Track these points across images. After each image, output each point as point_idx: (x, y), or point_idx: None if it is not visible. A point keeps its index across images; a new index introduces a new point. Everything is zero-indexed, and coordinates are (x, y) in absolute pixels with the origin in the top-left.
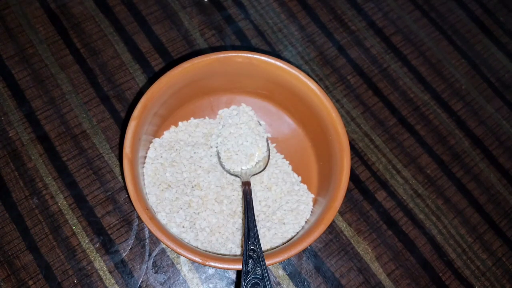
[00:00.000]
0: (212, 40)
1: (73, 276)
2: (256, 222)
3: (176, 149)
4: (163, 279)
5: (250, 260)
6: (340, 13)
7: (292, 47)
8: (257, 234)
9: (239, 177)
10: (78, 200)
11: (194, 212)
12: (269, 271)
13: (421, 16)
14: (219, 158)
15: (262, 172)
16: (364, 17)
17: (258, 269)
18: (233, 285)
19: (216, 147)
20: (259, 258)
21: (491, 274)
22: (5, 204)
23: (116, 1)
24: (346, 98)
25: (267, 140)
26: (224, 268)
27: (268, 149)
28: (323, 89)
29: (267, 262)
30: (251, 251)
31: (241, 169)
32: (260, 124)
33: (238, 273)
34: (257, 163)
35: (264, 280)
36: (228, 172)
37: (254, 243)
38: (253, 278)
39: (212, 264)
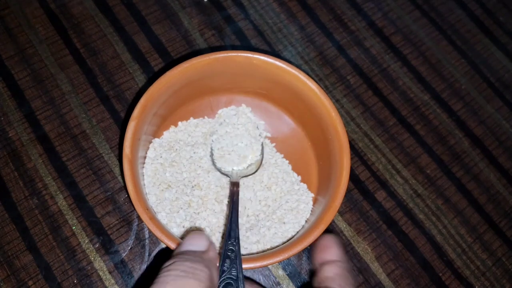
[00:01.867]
0: (212, 40)
1: (73, 276)
2: (256, 222)
3: (176, 149)
4: None
5: (227, 260)
6: (339, 13)
7: (291, 47)
8: (238, 235)
9: (229, 176)
10: (77, 200)
11: (194, 212)
12: (243, 273)
13: (421, 16)
14: (211, 155)
15: (262, 172)
16: (363, 17)
17: (234, 270)
18: None
19: (211, 143)
20: (236, 259)
21: (491, 274)
22: (5, 204)
23: (116, 1)
24: (345, 98)
25: (262, 144)
26: None
27: (262, 153)
28: (322, 89)
29: (267, 262)
30: (230, 251)
31: (232, 169)
32: (257, 128)
33: None
34: (249, 165)
35: (238, 281)
36: (219, 170)
37: (234, 243)
38: (227, 278)
39: None
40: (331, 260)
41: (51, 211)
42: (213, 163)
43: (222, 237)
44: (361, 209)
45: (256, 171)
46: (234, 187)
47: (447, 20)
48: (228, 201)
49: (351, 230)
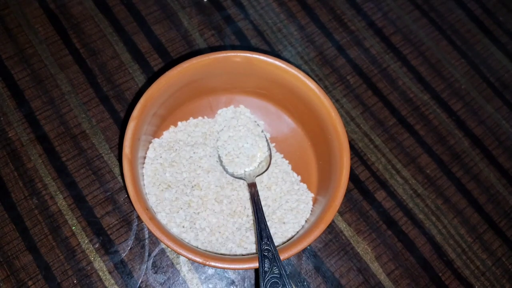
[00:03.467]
0: (212, 40)
1: (73, 276)
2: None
3: (176, 149)
4: (162, 279)
5: (266, 260)
6: (339, 13)
7: (291, 47)
8: (269, 233)
9: (244, 179)
10: (77, 201)
11: (194, 212)
12: (286, 269)
13: (420, 16)
14: (221, 162)
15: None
16: (363, 17)
17: (275, 268)
18: (233, 285)
19: (217, 151)
20: (274, 257)
21: (490, 274)
22: (5, 204)
23: (116, 1)
24: (345, 98)
25: (267, 140)
26: (225, 268)
27: (269, 149)
28: (322, 89)
29: None
30: (266, 251)
31: (245, 171)
32: (258, 125)
33: (238, 273)
34: (259, 163)
35: (282, 278)
36: (232, 175)
37: (268, 242)
38: (271, 277)
39: (213, 264)
40: None
41: (51, 211)
42: (225, 170)
43: (224, 237)
44: (361, 209)
45: (268, 167)
46: (252, 188)
47: (447, 20)
48: (251, 204)
49: (351, 230)
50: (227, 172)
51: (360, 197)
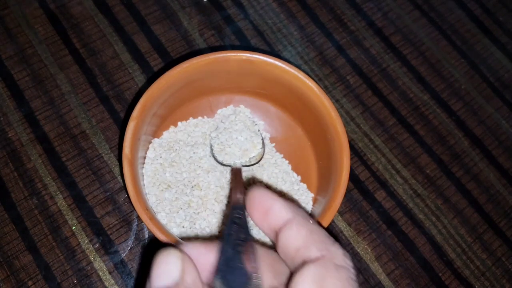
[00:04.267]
0: (212, 40)
1: (73, 276)
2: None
3: (176, 149)
4: None
5: (234, 226)
6: (339, 13)
7: (291, 47)
8: (244, 205)
9: (231, 166)
10: (77, 201)
11: (194, 212)
12: (252, 236)
13: (420, 16)
14: (211, 150)
15: (262, 172)
16: (363, 17)
17: (241, 233)
18: None
19: (210, 140)
20: (242, 224)
21: (490, 274)
22: (5, 204)
23: (116, 1)
24: (345, 98)
25: (262, 139)
26: None
27: (263, 147)
28: (322, 88)
29: None
30: (236, 219)
31: (234, 162)
32: (256, 124)
33: None
34: (250, 158)
35: (246, 242)
36: (221, 163)
37: (240, 212)
38: (235, 240)
39: None
40: (284, 223)
41: (51, 211)
42: (214, 158)
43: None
44: (361, 209)
45: (258, 161)
46: (236, 170)
47: (446, 20)
48: (231, 182)
49: (351, 230)
50: (216, 160)
51: (360, 197)
